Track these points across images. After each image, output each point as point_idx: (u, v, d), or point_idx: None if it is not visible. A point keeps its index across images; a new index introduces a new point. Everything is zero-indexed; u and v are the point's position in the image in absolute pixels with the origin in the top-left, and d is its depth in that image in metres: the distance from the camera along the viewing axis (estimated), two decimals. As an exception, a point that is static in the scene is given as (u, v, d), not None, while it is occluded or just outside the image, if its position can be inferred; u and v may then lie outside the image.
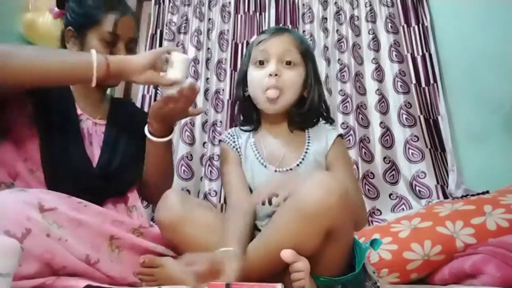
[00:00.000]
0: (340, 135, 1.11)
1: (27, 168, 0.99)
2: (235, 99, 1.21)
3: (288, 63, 1.07)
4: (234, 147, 1.13)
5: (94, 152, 1.10)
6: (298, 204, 0.81)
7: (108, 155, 1.11)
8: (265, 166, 1.07)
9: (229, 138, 1.15)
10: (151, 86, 2.22)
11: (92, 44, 1.09)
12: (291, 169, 1.04)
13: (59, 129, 1.03)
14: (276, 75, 1.05)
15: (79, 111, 1.13)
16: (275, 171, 1.04)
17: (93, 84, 0.92)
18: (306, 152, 1.07)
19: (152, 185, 1.18)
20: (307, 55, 1.11)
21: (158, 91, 2.21)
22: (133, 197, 1.16)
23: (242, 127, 1.17)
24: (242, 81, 1.15)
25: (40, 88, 0.99)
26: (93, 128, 1.15)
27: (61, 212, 0.84)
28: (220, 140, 1.18)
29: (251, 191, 1.07)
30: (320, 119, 1.16)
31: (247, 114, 1.17)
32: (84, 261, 0.84)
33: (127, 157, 1.14)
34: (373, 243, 0.92)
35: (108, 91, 1.29)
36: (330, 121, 1.16)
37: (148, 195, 1.23)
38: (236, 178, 1.08)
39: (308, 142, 1.09)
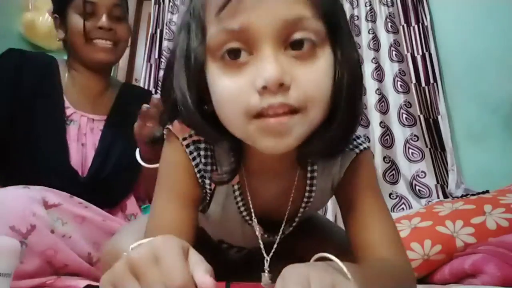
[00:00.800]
0: (365, 150, 0.65)
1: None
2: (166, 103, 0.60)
3: (299, 44, 0.48)
4: (200, 176, 0.60)
5: (88, 154, 1.05)
6: None
7: (101, 159, 1.05)
8: (248, 223, 0.65)
9: (198, 158, 0.60)
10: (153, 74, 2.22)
11: (73, 21, 1.05)
12: (283, 233, 0.65)
13: (41, 134, 0.99)
14: (281, 85, 0.46)
15: (69, 110, 1.07)
16: (262, 234, 0.64)
17: None
18: (304, 209, 0.65)
19: (148, 188, 1.12)
20: (332, 19, 0.52)
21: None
22: (132, 205, 1.11)
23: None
24: (195, 87, 0.53)
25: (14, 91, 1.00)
26: (89, 126, 1.09)
27: (65, 208, 0.84)
28: (183, 139, 0.60)
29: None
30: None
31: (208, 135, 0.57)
32: (86, 259, 0.84)
33: (124, 162, 1.05)
34: None
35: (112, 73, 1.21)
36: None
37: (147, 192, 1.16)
38: (171, 217, 0.58)
39: (310, 192, 0.64)
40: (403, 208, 1.87)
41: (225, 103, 0.50)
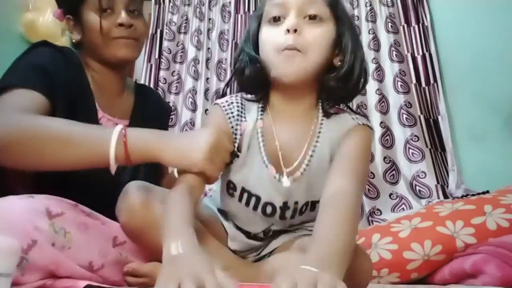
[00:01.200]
0: (366, 125, 0.82)
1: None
2: (235, 69, 0.87)
3: (312, 17, 0.79)
4: (234, 125, 0.83)
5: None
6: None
7: (128, 171, 0.99)
8: (266, 165, 0.81)
9: (231, 111, 0.84)
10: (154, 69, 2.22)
11: (90, 19, 1.00)
12: (293, 178, 0.81)
13: None
14: (295, 31, 0.77)
15: (99, 113, 1.03)
16: (275, 177, 0.81)
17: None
18: (313, 152, 0.81)
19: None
20: (338, 8, 0.82)
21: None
22: None
23: (248, 97, 0.87)
24: (250, 45, 0.85)
25: (55, 93, 0.92)
26: None
27: (69, 216, 0.82)
28: (216, 104, 0.87)
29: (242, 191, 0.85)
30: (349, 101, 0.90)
31: (255, 83, 0.84)
32: (87, 268, 0.82)
33: (148, 173, 1.03)
34: None
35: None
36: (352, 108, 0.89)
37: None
38: None
39: (318, 136, 0.82)
40: (403, 208, 1.87)
41: (266, 44, 0.81)
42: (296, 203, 0.83)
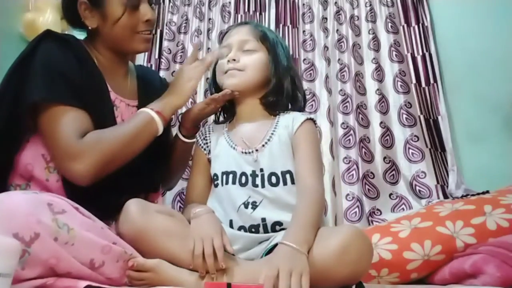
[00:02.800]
0: (310, 119, 1.13)
1: (47, 167, 0.99)
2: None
3: (248, 51, 1.14)
4: (202, 145, 1.19)
5: None
6: (322, 267, 0.80)
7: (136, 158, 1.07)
8: (234, 148, 1.11)
9: (199, 136, 1.21)
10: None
11: (115, 11, 1.03)
12: (256, 150, 1.08)
13: (96, 121, 1.02)
14: (234, 60, 1.13)
15: (112, 95, 1.08)
16: (242, 152, 1.10)
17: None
18: (272, 134, 1.10)
19: (172, 176, 1.25)
20: (265, 42, 1.16)
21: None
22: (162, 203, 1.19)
23: (217, 122, 1.25)
24: (212, 77, 1.24)
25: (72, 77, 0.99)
26: (127, 112, 1.12)
27: (72, 214, 0.83)
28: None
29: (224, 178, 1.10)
30: (296, 105, 1.20)
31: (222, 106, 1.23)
32: (88, 266, 0.83)
33: (156, 156, 1.13)
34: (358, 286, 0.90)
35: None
36: (300, 107, 1.19)
37: (166, 182, 1.28)
38: (194, 185, 1.16)
39: (276, 126, 1.12)
40: (403, 209, 1.87)
41: (217, 69, 1.20)
42: (261, 170, 1.05)
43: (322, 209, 1.00)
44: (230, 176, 1.07)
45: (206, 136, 1.20)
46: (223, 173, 1.09)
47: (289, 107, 1.20)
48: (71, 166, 0.93)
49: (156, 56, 2.29)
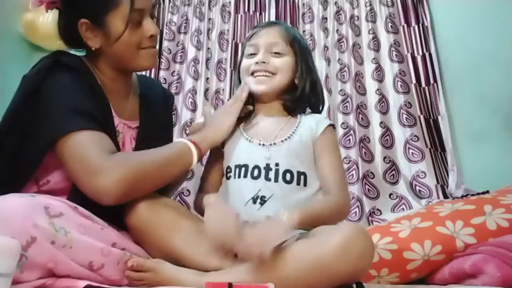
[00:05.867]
0: (332, 125, 1.12)
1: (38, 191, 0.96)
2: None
3: (276, 53, 1.11)
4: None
5: None
6: (325, 264, 0.79)
7: None
8: (250, 141, 1.09)
9: None
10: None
11: (117, 29, 0.97)
12: (274, 143, 1.06)
13: None
14: (263, 62, 1.10)
15: (116, 120, 1.03)
16: (259, 144, 1.07)
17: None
18: (293, 133, 1.08)
19: (170, 187, 1.16)
20: (294, 45, 1.14)
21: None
22: None
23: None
24: (238, 77, 1.21)
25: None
26: (128, 135, 1.07)
27: (70, 217, 0.82)
28: None
29: (239, 170, 1.07)
30: (317, 108, 1.19)
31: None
32: (87, 268, 0.82)
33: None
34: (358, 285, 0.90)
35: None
36: (320, 111, 1.19)
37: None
38: (210, 176, 1.15)
39: (298, 125, 1.10)
40: (403, 209, 1.87)
41: (243, 70, 1.15)
42: (277, 164, 1.03)
43: (338, 218, 0.99)
44: (243, 169, 1.05)
45: None
46: (236, 166, 1.07)
47: (308, 109, 1.19)
48: (95, 181, 0.87)
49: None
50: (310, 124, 1.11)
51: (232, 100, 1.11)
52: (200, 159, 1.02)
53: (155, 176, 0.93)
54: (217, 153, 1.14)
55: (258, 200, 1.00)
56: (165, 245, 0.91)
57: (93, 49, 1.01)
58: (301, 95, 1.13)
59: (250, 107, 1.14)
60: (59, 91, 0.95)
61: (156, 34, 1.04)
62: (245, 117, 1.16)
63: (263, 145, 1.07)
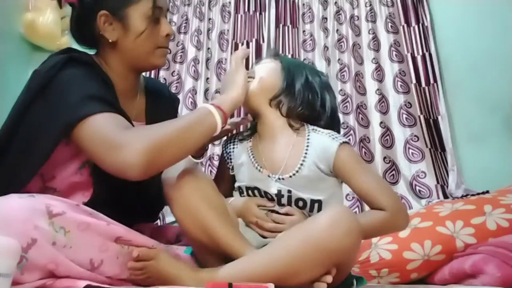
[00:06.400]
0: (344, 143, 1.01)
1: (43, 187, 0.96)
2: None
3: (260, 63, 1.12)
4: (227, 159, 1.12)
5: None
6: (314, 239, 0.82)
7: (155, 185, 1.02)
8: (259, 171, 1.03)
9: (224, 149, 1.13)
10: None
11: (137, 24, 0.99)
12: (283, 179, 1.00)
13: None
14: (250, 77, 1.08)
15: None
16: (268, 176, 1.01)
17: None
18: (301, 165, 1.00)
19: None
20: (279, 56, 1.13)
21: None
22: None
23: (240, 133, 1.14)
24: None
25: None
26: None
27: (69, 216, 0.82)
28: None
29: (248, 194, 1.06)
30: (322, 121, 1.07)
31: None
32: (87, 266, 0.82)
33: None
34: (358, 281, 0.93)
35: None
36: (333, 127, 1.06)
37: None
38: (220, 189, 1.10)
39: (306, 152, 1.01)
40: (403, 208, 1.87)
41: None
42: (289, 191, 0.99)
43: (388, 229, 1.00)
44: (256, 191, 1.04)
45: (229, 151, 1.12)
46: (248, 188, 1.05)
47: (312, 120, 1.07)
48: (118, 156, 0.84)
49: (156, 56, 2.29)
50: (318, 151, 1.00)
51: (232, 66, 1.09)
52: (225, 121, 0.96)
53: (178, 143, 0.89)
54: (225, 174, 1.12)
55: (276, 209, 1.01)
56: (201, 213, 0.92)
57: (109, 41, 1.01)
58: (288, 92, 1.04)
59: (250, 118, 1.11)
60: (73, 82, 0.94)
61: (171, 34, 1.06)
62: (251, 135, 1.10)
63: (272, 177, 1.01)
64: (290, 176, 0.99)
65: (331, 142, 0.99)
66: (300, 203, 0.99)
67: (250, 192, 1.04)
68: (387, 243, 1.36)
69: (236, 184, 1.08)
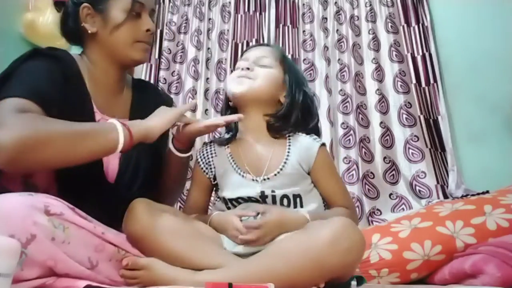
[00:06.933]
0: (323, 144, 1.07)
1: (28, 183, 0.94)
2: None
3: (263, 66, 1.09)
4: (204, 169, 1.10)
5: (110, 160, 1.02)
6: (315, 255, 0.81)
7: (128, 173, 1.04)
8: (243, 176, 1.03)
9: (200, 158, 1.11)
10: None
11: (117, 17, 1.01)
12: (268, 178, 1.01)
13: None
14: (248, 68, 1.07)
15: (97, 115, 1.03)
16: (252, 180, 1.02)
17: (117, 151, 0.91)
18: (285, 163, 1.03)
19: (167, 194, 1.15)
20: (284, 63, 1.12)
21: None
22: None
23: (217, 139, 1.14)
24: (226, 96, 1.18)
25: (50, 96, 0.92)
26: None
27: (68, 216, 0.83)
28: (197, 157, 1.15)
29: (230, 206, 1.06)
30: (305, 128, 1.10)
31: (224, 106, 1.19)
32: (86, 264, 0.82)
33: (149, 172, 1.08)
34: (359, 281, 0.93)
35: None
36: (314, 134, 1.10)
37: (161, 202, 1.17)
38: (193, 200, 1.11)
39: (288, 152, 1.04)
40: (403, 209, 1.87)
41: (229, 77, 1.22)
42: (273, 191, 1.01)
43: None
44: (240, 200, 1.04)
45: (209, 160, 1.10)
46: (230, 200, 1.05)
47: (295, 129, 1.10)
48: None
49: (156, 56, 2.29)
50: (300, 150, 1.04)
51: (178, 108, 1.09)
52: (130, 142, 0.91)
53: (63, 146, 0.84)
54: (203, 183, 1.11)
55: (259, 216, 0.99)
56: (167, 251, 0.90)
57: (89, 32, 1.04)
58: (286, 115, 1.06)
59: (242, 116, 1.06)
60: (24, 71, 0.95)
61: (153, 29, 1.07)
62: (230, 140, 1.09)
63: (256, 180, 1.02)
64: (275, 175, 1.02)
65: (313, 142, 1.05)
66: (285, 201, 1.02)
67: (234, 202, 1.04)
68: (387, 243, 1.36)
69: (220, 194, 1.08)
